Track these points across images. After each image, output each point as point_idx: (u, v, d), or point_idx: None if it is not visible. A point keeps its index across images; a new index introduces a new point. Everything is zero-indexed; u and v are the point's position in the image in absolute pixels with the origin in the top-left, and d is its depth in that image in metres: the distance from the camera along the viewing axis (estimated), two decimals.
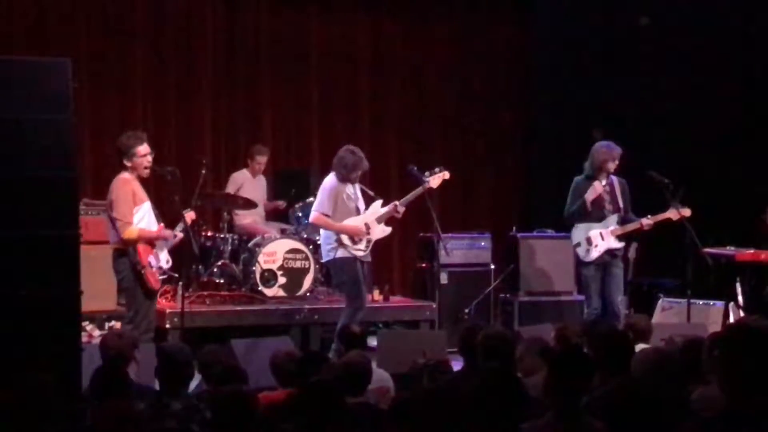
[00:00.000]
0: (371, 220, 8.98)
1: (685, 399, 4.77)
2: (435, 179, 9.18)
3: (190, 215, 8.34)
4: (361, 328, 7.71)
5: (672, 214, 9.27)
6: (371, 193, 9.28)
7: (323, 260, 9.27)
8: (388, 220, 9.12)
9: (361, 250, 8.92)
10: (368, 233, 8.94)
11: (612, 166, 9.36)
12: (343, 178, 8.92)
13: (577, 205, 9.35)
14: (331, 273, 9.66)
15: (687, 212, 9.29)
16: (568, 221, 9.61)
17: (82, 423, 5.01)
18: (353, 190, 9.01)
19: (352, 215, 8.94)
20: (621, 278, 9.49)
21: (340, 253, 8.92)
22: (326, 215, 8.89)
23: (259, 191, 11.02)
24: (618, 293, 9.38)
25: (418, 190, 9.11)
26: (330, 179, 8.99)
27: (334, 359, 7.02)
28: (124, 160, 8.00)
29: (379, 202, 9.12)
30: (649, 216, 9.37)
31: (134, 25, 11.47)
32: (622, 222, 9.41)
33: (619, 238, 9.40)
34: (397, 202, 9.08)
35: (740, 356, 3.60)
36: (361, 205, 9.06)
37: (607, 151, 9.35)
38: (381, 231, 9.07)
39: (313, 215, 9.05)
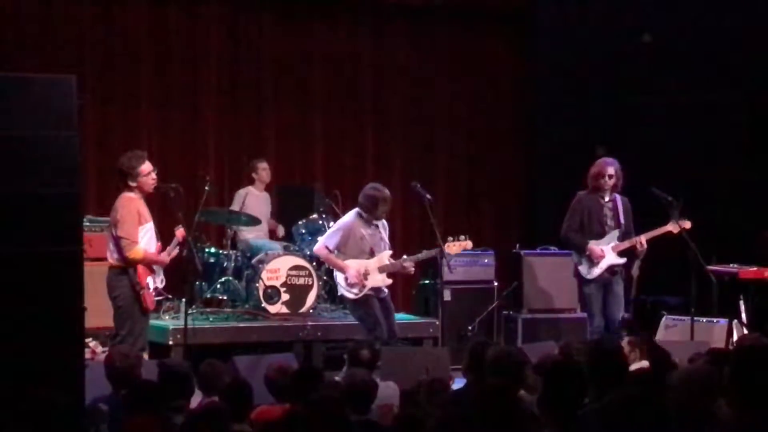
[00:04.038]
0: (373, 267, 8.93)
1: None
2: (456, 246, 9.13)
3: (180, 232, 8.26)
4: (370, 353, 7.65)
5: (672, 227, 9.27)
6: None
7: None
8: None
9: (353, 293, 8.90)
10: (365, 279, 8.91)
11: (605, 181, 9.35)
12: (365, 217, 8.94)
13: (579, 242, 9.37)
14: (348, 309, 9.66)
15: (687, 224, 9.28)
16: (563, 242, 9.70)
17: None
18: (374, 230, 8.98)
19: (363, 256, 8.94)
20: (621, 297, 9.48)
21: (342, 290, 9.03)
22: (329, 249, 8.96)
23: (263, 207, 11.03)
24: (618, 312, 9.40)
25: (433, 252, 9.12)
26: (349, 216, 9.05)
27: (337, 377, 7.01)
28: (128, 181, 7.95)
29: (388, 252, 9.06)
30: (641, 236, 9.36)
31: (139, 42, 11.51)
32: (623, 238, 9.42)
33: (620, 254, 9.41)
34: (405, 257, 9.15)
35: (750, 373, 3.59)
36: (382, 245, 9.01)
37: (599, 163, 9.41)
38: (380, 281, 8.96)
39: (317, 246, 9.23)
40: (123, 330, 7.94)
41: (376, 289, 8.96)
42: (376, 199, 8.88)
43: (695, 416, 4.45)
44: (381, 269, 8.95)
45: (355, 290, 8.90)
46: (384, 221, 9.11)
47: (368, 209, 8.91)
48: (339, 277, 9.01)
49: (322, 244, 9.08)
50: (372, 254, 8.96)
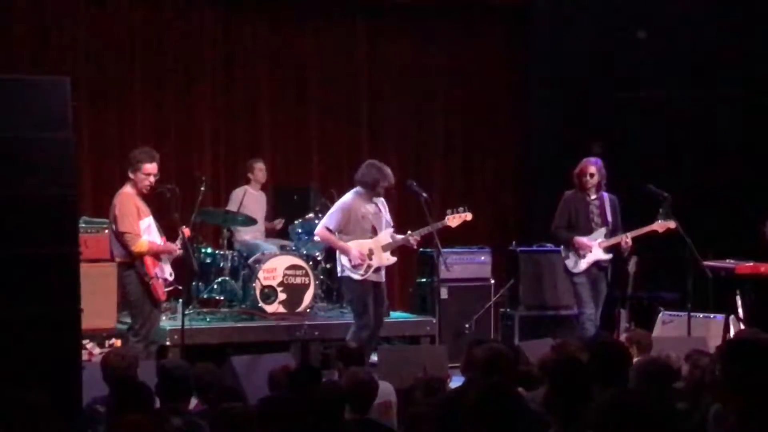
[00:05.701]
0: (377, 246, 8.92)
1: (674, 411, 4.76)
2: (455, 219, 9.11)
3: (186, 231, 8.36)
4: (358, 344, 7.67)
5: (658, 226, 9.37)
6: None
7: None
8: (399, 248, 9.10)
9: (358, 274, 8.87)
10: (370, 259, 8.89)
11: (588, 180, 9.49)
12: (364, 195, 8.89)
13: (565, 236, 9.53)
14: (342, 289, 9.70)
15: (672, 224, 9.33)
16: (552, 239, 9.86)
17: None
18: (375, 208, 8.95)
19: (366, 235, 8.91)
20: (604, 295, 9.61)
21: (347, 272, 8.94)
22: (330, 230, 8.92)
23: (259, 207, 11.03)
24: (598, 310, 9.52)
25: (434, 226, 9.05)
26: (347, 196, 9.00)
27: (334, 376, 7.02)
28: (128, 171, 8.12)
29: (390, 230, 9.05)
30: (628, 233, 9.40)
31: (134, 42, 11.50)
32: (610, 236, 9.51)
33: (606, 250, 9.49)
34: (411, 232, 9.06)
35: (745, 371, 3.55)
36: (384, 222, 8.98)
37: (582, 163, 9.57)
38: (385, 259, 8.96)
39: (318, 228, 9.14)
40: (137, 324, 8.10)
41: (377, 272, 8.92)
42: (376, 176, 8.82)
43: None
44: (385, 247, 8.93)
45: (361, 271, 8.87)
46: (382, 199, 9.07)
47: (368, 186, 8.85)
48: (343, 258, 8.92)
49: (323, 225, 9.02)
50: (375, 232, 8.93)
